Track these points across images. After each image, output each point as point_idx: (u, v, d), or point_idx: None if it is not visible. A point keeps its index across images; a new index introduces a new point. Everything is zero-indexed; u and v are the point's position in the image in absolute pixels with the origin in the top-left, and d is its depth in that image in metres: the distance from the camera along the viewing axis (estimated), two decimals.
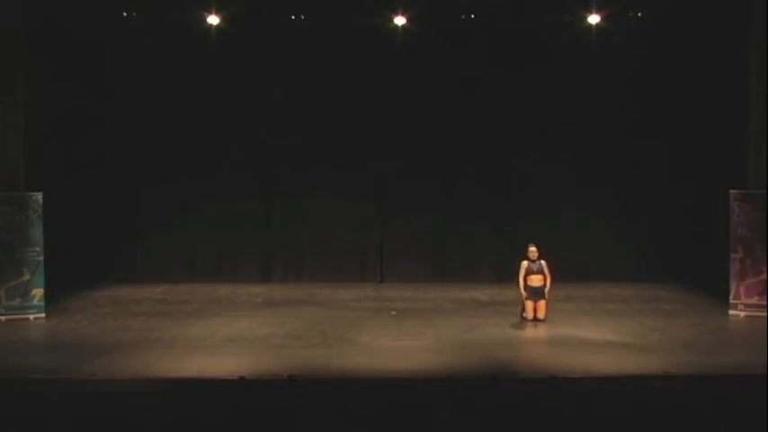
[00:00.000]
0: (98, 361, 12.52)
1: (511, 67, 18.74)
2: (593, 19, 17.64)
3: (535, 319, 15.04)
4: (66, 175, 17.77)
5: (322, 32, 18.32)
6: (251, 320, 15.45)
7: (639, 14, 18.06)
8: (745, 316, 15.50)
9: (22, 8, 15.99)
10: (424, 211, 19.05)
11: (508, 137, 19.00)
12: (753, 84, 16.00)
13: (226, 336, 14.23)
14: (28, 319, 15.43)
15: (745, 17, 16.11)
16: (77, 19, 17.60)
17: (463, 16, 18.19)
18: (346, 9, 17.89)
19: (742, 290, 15.62)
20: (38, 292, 15.58)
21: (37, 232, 15.61)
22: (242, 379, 10.98)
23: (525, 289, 15.08)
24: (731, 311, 15.64)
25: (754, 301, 15.53)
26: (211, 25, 17.63)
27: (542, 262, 15.15)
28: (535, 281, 15.07)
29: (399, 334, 14.30)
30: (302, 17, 18.19)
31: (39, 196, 15.69)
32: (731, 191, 15.76)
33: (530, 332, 14.76)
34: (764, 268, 15.47)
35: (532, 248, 15.17)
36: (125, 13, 17.78)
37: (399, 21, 17.80)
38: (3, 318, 15.36)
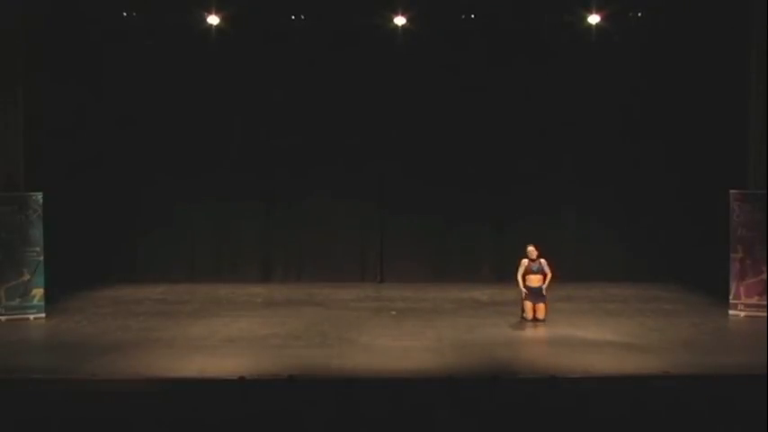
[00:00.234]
0: (98, 361, 12.52)
1: (511, 67, 18.73)
2: (593, 19, 17.64)
3: (535, 319, 15.04)
4: (66, 175, 17.75)
5: (322, 32, 18.32)
6: (251, 320, 15.45)
7: (639, 14, 18.05)
8: (745, 316, 15.49)
9: (21, 8, 15.98)
10: (424, 211, 19.05)
11: (508, 137, 18.99)
12: (753, 84, 16.00)
13: (226, 336, 14.23)
14: (28, 319, 15.43)
15: (745, 17, 16.11)
16: (77, 19, 17.61)
17: (463, 16, 18.18)
18: (346, 9, 17.88)
19: (742, 290, 15.62)
20: (38, 292, 15.58)
21: (37, 232, 15.61)
22: (242, 379, 10.98)
23: (525, 287, 15.08)
24: (731, 311, 15.64)
25: (754, 301, 15.53)
26: (211, 25, 17.64)
27: (542, 260, 15.15)
28: (534, 281, 15.06)
29: (399, 334, 14.30)
30: (302, 17, 18.19)
31: (39, 196, 15.69)
32: (731, 191, 15.75)
33: (530, 332, 14.76)
34: (764, 268, 15.47)
35: (530, 248, 15.18)
36: (125, 13, 17.78)
37: (399, 21, 17.80)
38: (3, 318, 15.36)
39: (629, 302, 16.98)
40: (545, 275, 15.09)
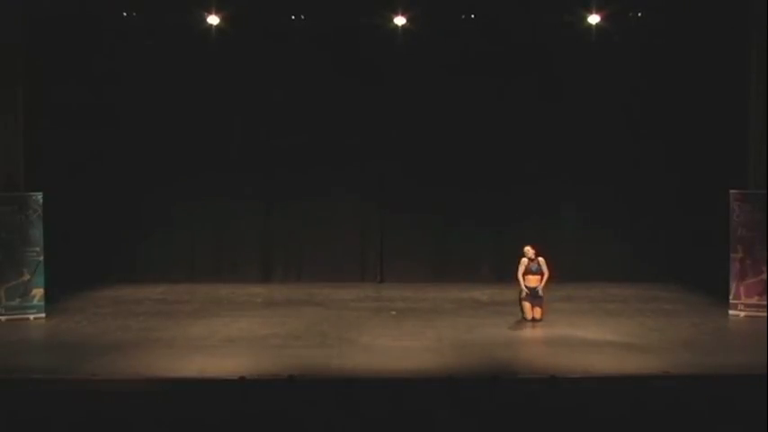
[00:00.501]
0: (98, 361, 12.51)
1: (510, 67, 18.72)
2: (594, 19, 17.62)
3: (533, 319, 15.05)
4: (66, 175, 17.76)
5: (322, 32, 18.31)
6: (251, 320, 15.45)
7: (639, 14, 18.04)
8: (745, 316, 15.49)
9: (22, 8, 15.98)
10: (424, 211, 19.04)
11: (508, 136, 18.98)
12: (753, 84, 15.99)
13: (226, 336, 14.23)
14: (28, 319, 15.43)
15: (745, 17, 16.11)
16: (77, 19, 17.59)
17: (463, 16, 18.18)
18: (346, 9, 17.88)
19: (742, 290, 15.62)
20: (38, 292, 15.57)
21: (37, 232, 15.61)
22: (242, 379, 10.99)
23: (525, 287, 15.09)
24: (731, 311, 15.63)
25: (754, 301, 15.53)
26: (211, 25, 17.62)
27: (540, 259, 15.15)
28: (533, 281, 15.07)
29: (399, 334, 14.30)
30: (302, 17, 18.18)
31: (39, 196, 15.69)
32: (731, 191, 15.75)
33: (529, 332, 14.76)
34: (764, 268, 15.47)
35: (527, 248, 15.19)
36: (125, 13, 17.77)
37: (399, 21, 17.79)
38: (3, 318, 15.36)
39: (629, 302, 16.97)
40: (543, 275, 15.09)
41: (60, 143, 17.82)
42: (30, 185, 15.97)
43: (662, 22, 18.12)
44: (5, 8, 15.73)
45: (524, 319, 15.12)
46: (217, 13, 17.46)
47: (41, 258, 15.58)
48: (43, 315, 15.52)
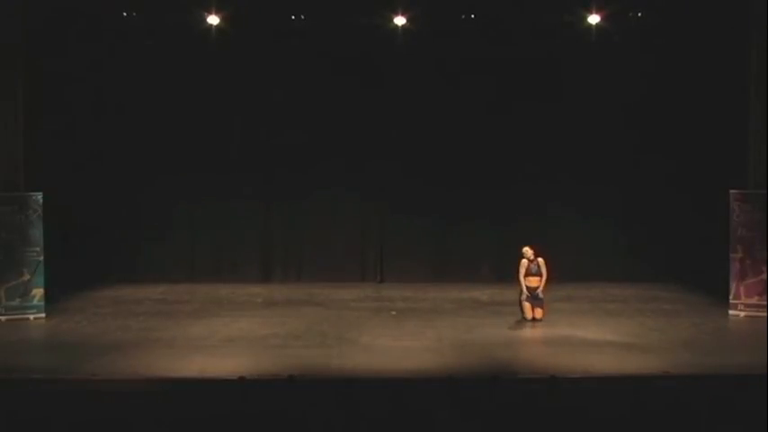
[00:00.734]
0: (98, 361, 12.51)
1: (510, 68, 18.73)
2: (593, 19, 17.63)
3: (534, 319, 15.05)
4: (66, 175, 17.76)
5: (322, 32, 18.31)
6: (251, 320, 15.45)
7: (639, 14, 18.05)
8: (745, 316, 15.49)
9: (22, 8, 15.98)
10: (424, 211, 19.04)
11: (508, 136, 18.99)
12: (753, 84, 15.98)
13: (226, 336, 14.23)
14: (28, 319, 15.43)
15: (745, 17, 16.10)
16: (77, 19, 17.59)
17: (463, 16, 18.18)
18: (346, 9, 17.88)
19: (742, 290, 15.62)
20: (38, 292, 15.57)
21: (37, 232, 15.61)
22: (242, 379, 10.98)
23: (526, 288, 15.08)
24: (731, 311, 15.63)
25: (754, 301, 15.53)
26: (211, 25, 17.62)
27: (540, 260, 15.15)
28: (533, 282, 15.07)
29: (399, 334, 14.30)
30: (302, 17, 18.19)
31: (39, 196, 15.69)
32: (731, 191, 15.75)
33: (529, 332, 14.76)
34: (764, 268, 15.46)
35: (526, 249, 15.18)
36: (125, 13, 17.78)
37: (399, 21, 17.79)
38: (3, 318, 15.36)
39: (629, 302, 16.97)
40: (542, 276, 15.09)
41: (60, 143, 17.82)
42: (30, 185, 15.96)
43: (662, 22, 18.13)
44: (5, 8, 15.71)
45: (524, 318, 15.12)
46: (217, 13, 17.46)
47: (41, 258, 15.58)
48: (43, 315, 15.52)
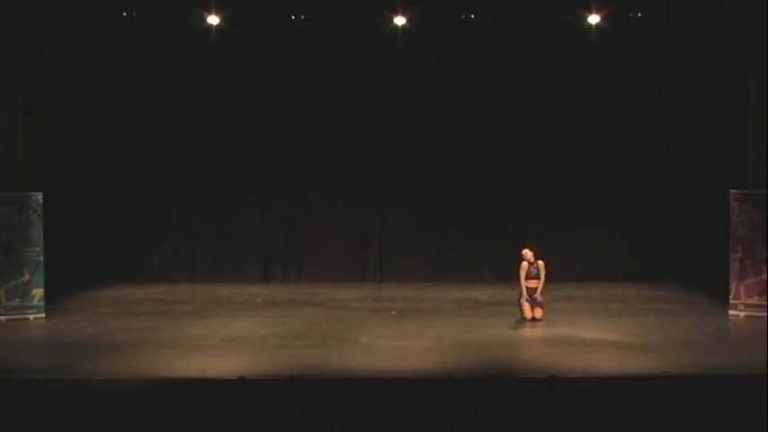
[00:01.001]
0: (98, 361, 12.51)
1: (511, 68, 18.75)
2: (593, 19, 17.63)
3: (533, 318, 15.05)
4: (66, 175, 17.75)
5: (322, 32, 18.32)
6: (251, 320, 15.45)
7: (639, 14, 18.05)
8: (745, 316, 15.49)
9: (22, 8, 15.98)
10: (424, 211, 19.05)
11: (508, 137, 19.00)
12: (753, 84, 15.98)
13: (226, 336, 14.23)
14: (28, 319, 15.43)
15: (745, 17, 16.11)
16: (77, 19, 17.58)
17: (463, 16, 18.19)
18: (346, 9, 17.89)
19: (742, 290, 15.61)
20: (38, 292, 15.57)
21: (37, 232, 15.61)
22: (242, 379, 10.98)
23: (526, 290, 15.08)
24: (731, 311, 15.63)
25: (754, 301, 15.52)
26: (211, 25, 17.63)
27: (540, 263, 15.15)
28: (533, 284, 15.08)
29: (399, 334, 14.30)
30: (302, 17, 18.19)
31: (39, 196, 15.69)
32: (731, 191, 15.75)
33: (529, 332, 14.76)
34: (764, 268, 15.46)
35: (526, 251, 15.17)
36: (125, 13, 17.78)
37: (399, 21, 17.80)
38: (3, 318, 15.36)
39: (629, 302, 16.97)
40: (540, 279, 15.08)
41: (60, 143, 17.82)
42: (30, 185, 15.97)
43: (662, 22, 18.14)
44: (5, 8, 15.72)
45: (524, 318, 15.12)
46: (217, 13, 17.48)
47: (41, 258, 15.58)
48: (43, 315, 15.52)
